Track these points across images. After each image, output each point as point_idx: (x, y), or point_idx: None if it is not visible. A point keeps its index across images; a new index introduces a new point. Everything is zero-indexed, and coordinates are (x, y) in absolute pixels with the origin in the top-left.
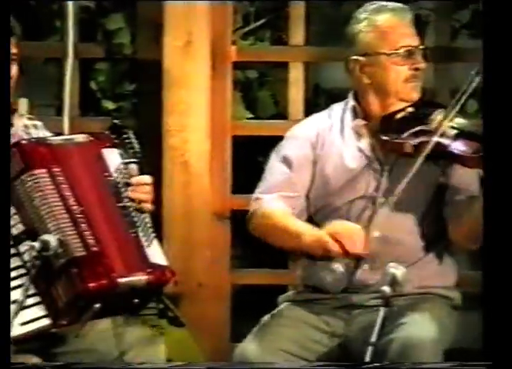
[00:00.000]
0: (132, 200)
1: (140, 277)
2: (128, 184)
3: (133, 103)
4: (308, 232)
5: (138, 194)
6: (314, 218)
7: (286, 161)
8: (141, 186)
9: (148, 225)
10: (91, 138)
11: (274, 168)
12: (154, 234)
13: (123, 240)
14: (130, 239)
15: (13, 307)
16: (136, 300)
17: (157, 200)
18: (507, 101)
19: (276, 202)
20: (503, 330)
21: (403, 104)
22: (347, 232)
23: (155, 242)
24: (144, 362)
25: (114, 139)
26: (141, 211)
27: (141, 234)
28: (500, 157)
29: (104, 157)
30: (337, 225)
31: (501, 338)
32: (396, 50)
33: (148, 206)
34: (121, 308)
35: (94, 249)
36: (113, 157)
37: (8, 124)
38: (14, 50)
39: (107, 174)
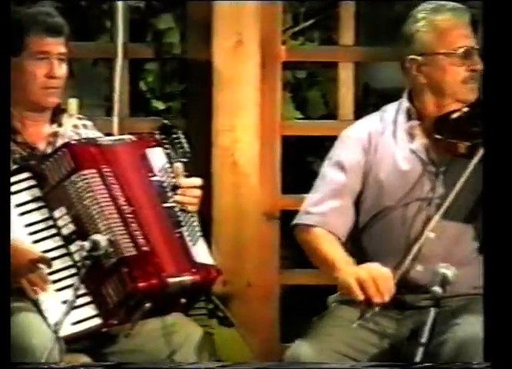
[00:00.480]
0: (179, 203)
1: (186, 277)
2: (176, 186)
3: (182, 103)
4: (342, 268)
5: (187, 197)
6: (368, 224)
7: (338, 167)
8: (190, 189)
9: (194, 224)
10: (136, 138)
11: (326, 175)
12: (200, 234)
13: (170, 239)
14: (175, 239)
15: (64, 307)
16: (183, 300)
17: (207, 200)
18: (507, 100)
19: (323, 218)
20: (503, 330)
21: (459, 105)
22: (374, 280)
23: (201, 242)
24: (194, 362)
25: (163, 139)
26: (186, 210)
27: (186, 234)
28: (501, 157)
29: (148, 157)
30: (366, 270)
31: (501, 338)
32: (454, 50)
33: (195, 207)
34: (169, 308)
35: (145, 249)
36: (157, 157)
37: (9, 123)
38: (63, 50)
39: (151, 173)
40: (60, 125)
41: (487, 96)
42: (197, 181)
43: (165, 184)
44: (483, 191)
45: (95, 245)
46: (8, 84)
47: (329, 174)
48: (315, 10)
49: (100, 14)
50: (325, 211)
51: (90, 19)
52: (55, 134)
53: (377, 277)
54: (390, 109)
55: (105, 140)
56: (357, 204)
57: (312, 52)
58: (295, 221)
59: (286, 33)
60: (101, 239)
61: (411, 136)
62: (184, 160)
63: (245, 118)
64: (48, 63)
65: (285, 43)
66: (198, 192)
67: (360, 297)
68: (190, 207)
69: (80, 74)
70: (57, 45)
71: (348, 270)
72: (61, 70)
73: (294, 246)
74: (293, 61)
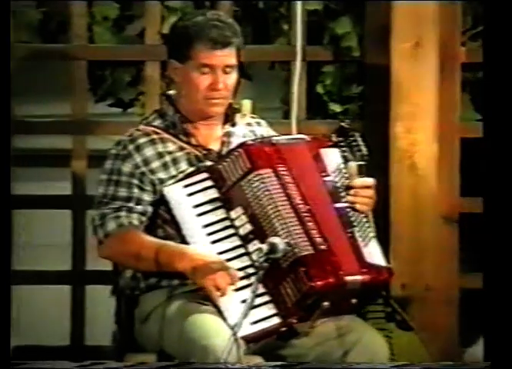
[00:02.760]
0: (351, 204)
1: (355, 277)
2: (349, 187)
3: (359, 106)
4: None
5: (359, 197)
6: None
7: None
8: (364, 189)
9: (366, 225)
10: (310, 138)
11: None
12: (372, 235)
13: (343, 238)
14: (348, 238)
15: (242, 307)
16: (354, 301)
17: (385, 202)
18: (508, 100)
19: None
20: (503, 330)
21: None
22: None
23: (374, 243)
24: (366, 362)
25: (340, 141)
26: (359, 211)
27: (357, 234)
28: (501, 157)
29: (322, 157)
30: None
31: (501, 338)
32: None
33: (367, 207)
34: (342, 308)
35: (322, 247)
36: (332, 158)
37: (9, 123)
38: (230, 61)
39: (325, 173)
40: (233, 125)
41: (488, 95)
42: (370, 181)
43: (338, 185)
44: (484, 190)
45: (273, 248)
46: (8, 84)
47: None
48: None
49: (278, 17)
50: None
51: (268, 22)
52: (229, 134)
53: None
54: None
55: (280, 139)
56: None
57: None
58: None
59: (466, 34)
60: (279, 242)
61: None
62: (362, 163)
63: (423, 120)
64: (213, 75)
65: (465, 44)
66: (371, 192)
67: None
68: (362, 207)
69: (257, 77)
70: (223, 58)
71: None
72: (228, 80)
73: (472, 249)
74: (472, 62)
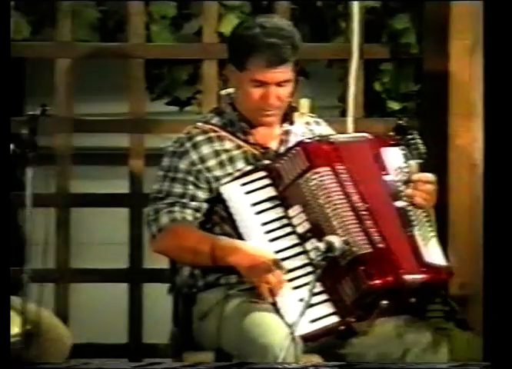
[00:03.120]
0: (410, 198)
1: (414, 276)
2: (407, 182)
3: (418, 103)
4: None
5: (418, 191)
6: None
7: None
8: (422, 184)
9: (426, 224)
10: (371, 137)
11: None
12: (432, 234)
13: (402, 237)
14: (407, 237)
15: (300, 305)
16: (412, 300)
17: (444, 200)
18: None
19: None
20: (503, 330)
21: None
22: None
23: (434, 242)
24: (425, 362)
25: (398, 140)
26: (418, 209)
27: (417, 233)
28: (501, 158)
29: (382, 156)
30: None
31: (501, 338)
32: None
33: (427, 204)
34: (401, 308)
35: (380, 246)
36: (392, 157)
37: (9, 123)
38: (285, 77)
39: (384, 172)
40: (292, 124)
41: (488, 95)
42: (430, 176)
43: (398, 184)
44: (484, 190)
45: (331, 246)
46: (7, 84)
47: None
48: None
49: (336, 16)
50: None
51: (326, 20)
52: (287, 133)
53: None
54: None
55: (339, 137)
56: None
57: None
58: None
59: None
60: (337, 240)
61: None
62: (420, 161)
63: (482, 118)
64: (266, 89)
65: None
66: (431, 188)
67: None
68: (421, 202)
69: (315, 76)
70: (278, 74)
71: None
72: (282, 92)
73: None
74: None
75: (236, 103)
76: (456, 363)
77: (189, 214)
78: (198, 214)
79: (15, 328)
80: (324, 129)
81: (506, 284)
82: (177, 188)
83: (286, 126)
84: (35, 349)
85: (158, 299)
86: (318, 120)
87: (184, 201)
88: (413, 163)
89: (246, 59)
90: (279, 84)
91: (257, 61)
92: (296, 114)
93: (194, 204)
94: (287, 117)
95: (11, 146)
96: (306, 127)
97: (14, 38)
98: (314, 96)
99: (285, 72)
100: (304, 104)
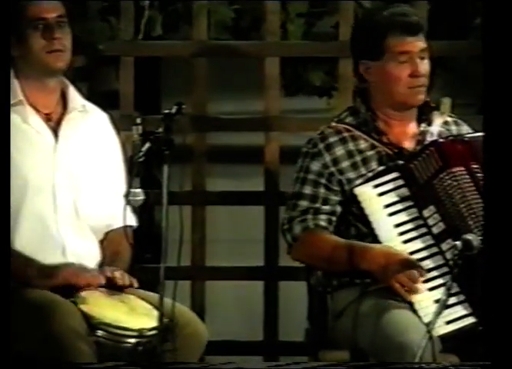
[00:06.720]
0: None
1: None
2: None
3: None
4: None
5: None
6: None
7: None
8: None
9: None
10: None
11: None
12: None
13: None
14: None
15: (437, 306)
16: None
17: None
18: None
19: None
20: (503, 330)
21: None
22: None
23: None
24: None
25: None
26: None
27: None
28: (501, 157)
29: None
30: None
31: (501, 338)
32: None
33: None
34: None
35: None
36: None
37: (8, 123)
38: (423, 46)
39: None
40: (430, 124)
41: (488, 94)
42: None
43: None
44: (484, 189)
45: (468, 245)
46: (8, 84)
47: None
48: None
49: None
50: None
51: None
52: (424, 133)
53: None
54: None
55: (473, 136)
56: None
57: None
58: None
59: None
60: (474, 238)
61: None
62: None
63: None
64: (411, 63)
65: None
66: None
67: None
68: None
69: (456, 73)
70: (416, 43)
71: None
72: (425, 66)
73: None
74: None
75: (371, 102)
76: (459, 363)
77: (323, 220)
78: (333, 218)
79: (153, 322)
80: (464, 130)
81: (506, 284)
82: (308, 190)
83: (424, 126)
84: (173, 343)
85: (294, 297)
86: (458, 120)
87: (317, 205)
88: None
89: (384, 39)
90: (420, 55)
91: (397, 35)
92: (435, 114)
93: (327, 208)
94: (426, 117)
95: (148, 144)
96: (444, 127)
97: (148, 35)
98: (453, 94)
99: (423, 40)
100: (446, 103)
